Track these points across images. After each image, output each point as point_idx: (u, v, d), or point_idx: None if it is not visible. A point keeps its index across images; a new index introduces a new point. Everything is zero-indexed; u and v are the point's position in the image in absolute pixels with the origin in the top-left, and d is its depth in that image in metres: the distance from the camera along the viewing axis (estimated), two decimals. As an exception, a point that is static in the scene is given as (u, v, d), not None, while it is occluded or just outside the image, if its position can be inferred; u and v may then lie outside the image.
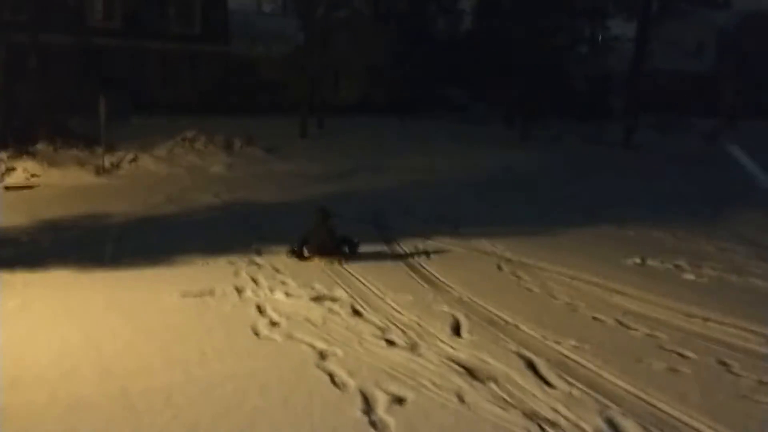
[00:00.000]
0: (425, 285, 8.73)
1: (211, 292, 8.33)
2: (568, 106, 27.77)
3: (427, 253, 10.50)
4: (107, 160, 19.71)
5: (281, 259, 10.06)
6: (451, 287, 8.61)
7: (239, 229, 12.45)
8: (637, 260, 10.17)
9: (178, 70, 31.60)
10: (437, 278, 9.06)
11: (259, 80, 29.55)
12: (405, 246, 11.02)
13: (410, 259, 10.14)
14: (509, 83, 26.60)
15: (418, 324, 7.17)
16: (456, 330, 7.06)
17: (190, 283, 8.75)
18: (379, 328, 7.03)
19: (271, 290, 8.39)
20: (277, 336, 6.82)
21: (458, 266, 9.69)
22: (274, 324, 7.20)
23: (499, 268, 9.63)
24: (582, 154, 23.74)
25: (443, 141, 25.09)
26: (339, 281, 8.86)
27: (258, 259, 10.06)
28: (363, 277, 9.07)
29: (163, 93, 29.09)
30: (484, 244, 11.11)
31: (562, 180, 19.35)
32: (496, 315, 7.54)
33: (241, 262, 9.90)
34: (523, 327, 7.15)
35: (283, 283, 8.78)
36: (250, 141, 22.29)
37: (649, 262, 10.13)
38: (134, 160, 20.04)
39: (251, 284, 8.69)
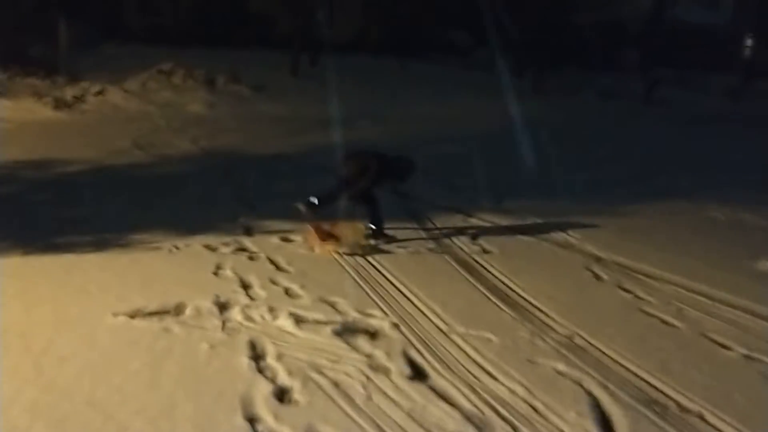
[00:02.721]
0: (503, 307, 5.51)
1: (178, 310, 5.09)
2: (581, 57, 24.31)
3: (476, 239, 7.32)
4: (69, 93, 16.09)
5: (279, 244, 6.81)
6: (544, 313, 5.41)
7: (222, 191, 9.12)
8: (771, 264, 7.08)
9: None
10: (514, 291, 5.87)
11: (247, 10, 25.61)
12: (442, 225, 7.83)
13: (459, 250, 6.94)
14: (518, 28, 23.07)
15: (533, 408, 3.99)
16: (605, 425, 3.91)
17: (147, 286, 5.50)
18: (469, 419, 3.86)
19: (272, 310, 5.13)
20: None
21: (532, 267, 6.51)
22: (283, 396, 4.00)
23: (594, 274, 6.43)
24: (602, 110, 20.39)
25: (449, 88, 21.59)
26: (371, 290, 5.66)
27: (248, 244, 6.80)
28: (404, 282, 5.87)
29: (139, 19, 25.02)
30: (549, 227, 7.93)
31: (589, 139, 16.07)
32: (653, 385, 4.31)
33: (224, 247, 6.64)
34: (714, 421, 4.02)
35: (289, 293, 5.54)
36: (235, 77, 18.66)
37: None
38: (100, 93, 16.42)
39: (241, 294, 5.44)
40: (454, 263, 6.55)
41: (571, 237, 7.60)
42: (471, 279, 6.13)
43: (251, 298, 5.38)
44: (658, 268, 6.59)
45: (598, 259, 6.87)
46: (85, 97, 16.08)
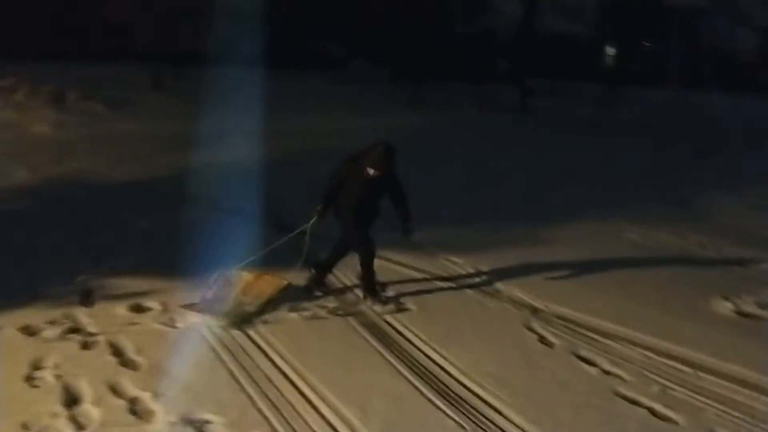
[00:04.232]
0: (441, 405, 3.84)
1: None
2: (457, 68, 23.26)
3: (384, 289, 5.67)
4: None
5: (128, 317, 4.87)
6: (498, 411, 3.81)
7: (58, 236, 6.98)
8: (729, 305, 5.82)
9: None
10: (449, 373, 4.23)
11: (105, 20, 22.82)
12: (341, 269, 6.14)
13: (367, 309, 5.27)
14: (394, 39, 21.76)
15: None
16: None
17: None
18: None
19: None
20: None
21: (463, 330, 4.90)
22: None
23: (539, 336, 4.92)
24: (481, 121, 19.27)
25: (324, 101, 19.86)
26: (257, 393, 3.86)
27: (84, 319, 4.81)
28: (302, 374, 4.11)
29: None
30: (465, 267, 6.40)
31: (472, 154, 14.79)
32: None
33: (49, 329, 4.63)
34: None
35: (136, 409, 3.66)
36: (88, 93, 16.11)
37: (746, 307, 5.83)
38: None
39: (62, 419, 3.51)
40: (365, 333, 4.85)
41: (494, 280, 6.08)
42: (391, 358, 4.45)
43: (78, 427, 3.47)
44: (610, 321, 5.19)
45: (536, 311, 5.39)
46: None
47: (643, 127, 19.53)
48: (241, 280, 5.26)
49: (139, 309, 5.06)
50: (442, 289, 5.88)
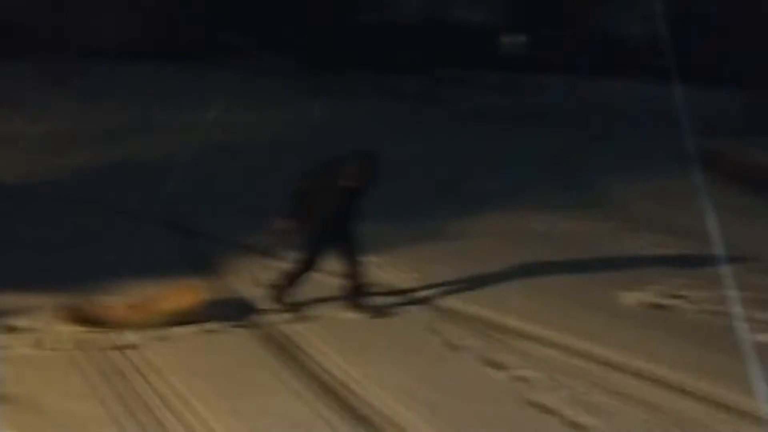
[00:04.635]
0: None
1: None
2: (365, 57, 22.84)
3: (286, 301, 5.30)
4: None
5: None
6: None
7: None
8: (636, 296, 5.73)
9: None
10: (360, 396, 3.92)
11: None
12: (237, 278, 5.73)
13: (270, 322, 4.89)
14: (300, 29, 21.16)
15: None
16: None
17: None
18: None
19: None
20: None
21: (374, 341, 4.62)
22: None
23: (447, 341, 4.65)
24: (388, 110, 19.03)
25: (225, 93, 19.03)
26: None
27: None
28: (195, 405, 3.71)
29: None
30: (372, 270, 6.10)
31: (382, 144, 14.34)
32: None
33: None
34: None
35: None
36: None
37: (653, 297, 5.76)
38: None
39: None
40: (264, 348, 4.47)
41: (400, 281, 5.81)
42: (291, 377, 4.09)
43: None
44: (519, 319, 4.99)
45: (443, 312, 5.14)
46: None
47: (543, 113, 19.73)
48: (153, 293, 4.80)
49: (12, 330, 4.53)
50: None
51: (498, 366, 4.28)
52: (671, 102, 22.63)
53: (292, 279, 5.12)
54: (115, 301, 4.86)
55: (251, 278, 5.65)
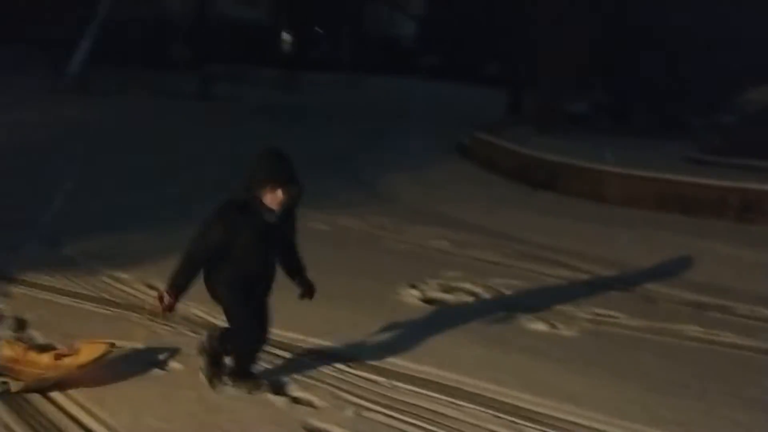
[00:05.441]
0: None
1: None
2: (129, 54, 21.12)
3: (23, 328, 4.39)
4: None
5: None
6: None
7: None
8: (415, 293, 5.54)
9: None
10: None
11: None
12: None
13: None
14: (55, 26, 19.05)
15: None
16: None
17: None
18: None
19: None
20: None
21: (120, 375, 3.88)
22: None
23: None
24: (159, 108, 17.64)
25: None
26: None
27: None
28: None
29: None
30: (136, 287, 5.35)
31: (153, 144, 13.25)
32: None
33: None
34: None
35: None
36: None
37: (431, 292, 5.60)
38: None
39: None
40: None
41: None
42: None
43: None
44: (296, 331, 4.53)
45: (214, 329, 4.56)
46: None
47: (320, 110, 19.66)
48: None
49: None
50: (106, 317, 4.77)
51: (278, 390, 3.74)
52: (441, 99, 23.79)
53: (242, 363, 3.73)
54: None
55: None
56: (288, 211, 3.55)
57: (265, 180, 3.42)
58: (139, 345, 4.24)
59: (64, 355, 3.80)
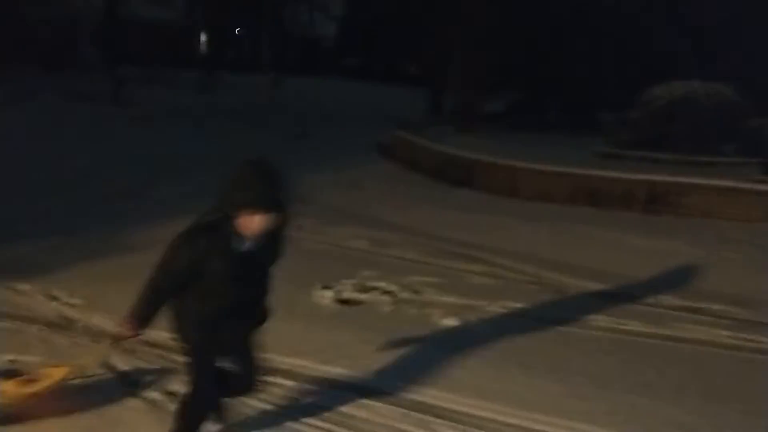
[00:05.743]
0: None
1: None
2: (32, 55, 20.19)
3: None
4: None
5: None
6: None
7: None
8: (329, 294, 5.45)
9: None
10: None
11: None
12: None
13: None
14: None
15: None
16: None
17: None
18: None
19: None
20: None
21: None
22: None
23: (122, 380, 3.91)
24: (67, 112, 16.90)
25: None
26: None
27: None
28: None
29: None
30: (38, 297, 5.08)
31: (60, 149, 12.73)
32: None
33: None
34: None
35: None
36: None
37: (345, 293, 5.52)
38: None
39: None
40: None
41: (71, 305, 4.90)
42: None
43: None
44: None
45: (119, 341, 4.37)
46: None
47: (241, 112, 19.32)
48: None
49: None
50: (5, 330, 4.51)
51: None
52: (362, 99, 23.67)
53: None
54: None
55: None
56: (271, 237, 2.91)
57: (240, 205, 2.75)
58: (91, 371, 3.91)
59: (28, 381, 3.51)
